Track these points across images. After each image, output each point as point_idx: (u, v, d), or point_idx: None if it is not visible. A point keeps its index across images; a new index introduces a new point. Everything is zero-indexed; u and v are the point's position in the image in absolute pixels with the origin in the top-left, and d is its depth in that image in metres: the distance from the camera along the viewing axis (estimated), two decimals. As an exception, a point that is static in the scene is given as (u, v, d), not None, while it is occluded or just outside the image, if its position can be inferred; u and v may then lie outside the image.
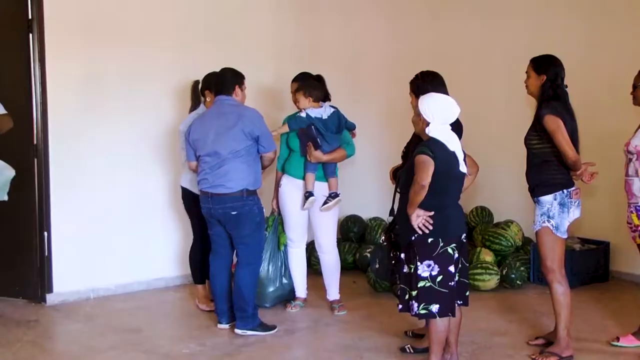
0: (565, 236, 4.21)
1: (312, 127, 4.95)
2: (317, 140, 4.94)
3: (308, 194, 5.01)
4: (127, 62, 5.64)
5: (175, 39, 5.87)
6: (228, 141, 4.52)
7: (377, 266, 4.19)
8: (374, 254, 4.21)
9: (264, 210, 4.80)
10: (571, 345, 4.22)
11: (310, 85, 5.06)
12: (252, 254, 4.73)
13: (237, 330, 4.68)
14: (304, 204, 5.03)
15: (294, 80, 5.24)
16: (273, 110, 5.96)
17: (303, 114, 4.99)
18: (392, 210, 4.29)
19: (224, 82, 4.72)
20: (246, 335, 4.65)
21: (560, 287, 4.18)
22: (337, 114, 5.06)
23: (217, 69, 5.09)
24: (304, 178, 5.04)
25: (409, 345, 4.38)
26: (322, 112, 5.00)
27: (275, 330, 4.76)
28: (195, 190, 5.12)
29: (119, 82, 5.62)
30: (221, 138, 4.53)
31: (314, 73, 5.29)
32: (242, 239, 4.66)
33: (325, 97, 5.14)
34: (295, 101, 5.08)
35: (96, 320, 5.09)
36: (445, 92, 4.15)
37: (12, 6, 5.32)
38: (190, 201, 5.16)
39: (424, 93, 4.14)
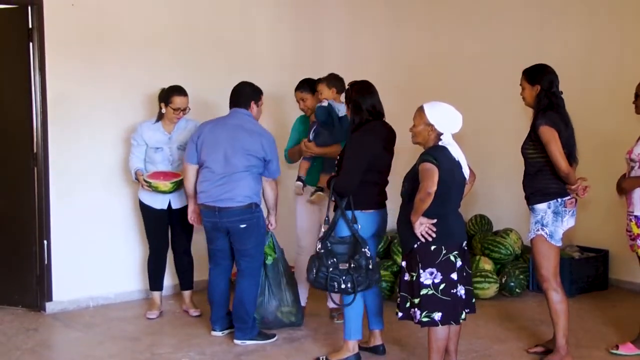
0: (560, 244, 4.21)
1: (316, 123, 4.94)
2: (314, 131, 4.93)
3: (297, 178, 5.03)
4: (127, 72, 5.65)
5: (175, 48, 5.89)
6: (242, 157, 4.51)
7: (313, 276, 4.18)
8: (310, 263, 4.21)
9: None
10: (570, 353, 4.22)
11: (332, 77, 5.03)
12: (255, 266, 4.71)
13: (236, 341, 4.68)
14: (296, 190, 5.04)
15: (301, 87, 5.15)
16: (272, 117, 5.97)
17: (325, 103, 4.95)
18: (327, 218, 4.31)
19: (240, 96, 4.72)
20: (245, 345, 4.65)
21: (556, 296, 4.18)
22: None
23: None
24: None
25: (324, 357, 4.39)
26: (342, 107, 4.92)
27: (275, 338, 4.76)
28: (149, 202, 5.22)
29: (118, 91, 5.62)
30: (237, 153, 4.52)
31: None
32: (247, 251, 4.64)
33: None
34: (307, 99, 5.07)
35: (95, 328, 5.09)
36: (378, 101, 4.25)
37: (13, 15, 5.33)
38: (145, 212, 5.32)
39: (351, 103, 4.20)
